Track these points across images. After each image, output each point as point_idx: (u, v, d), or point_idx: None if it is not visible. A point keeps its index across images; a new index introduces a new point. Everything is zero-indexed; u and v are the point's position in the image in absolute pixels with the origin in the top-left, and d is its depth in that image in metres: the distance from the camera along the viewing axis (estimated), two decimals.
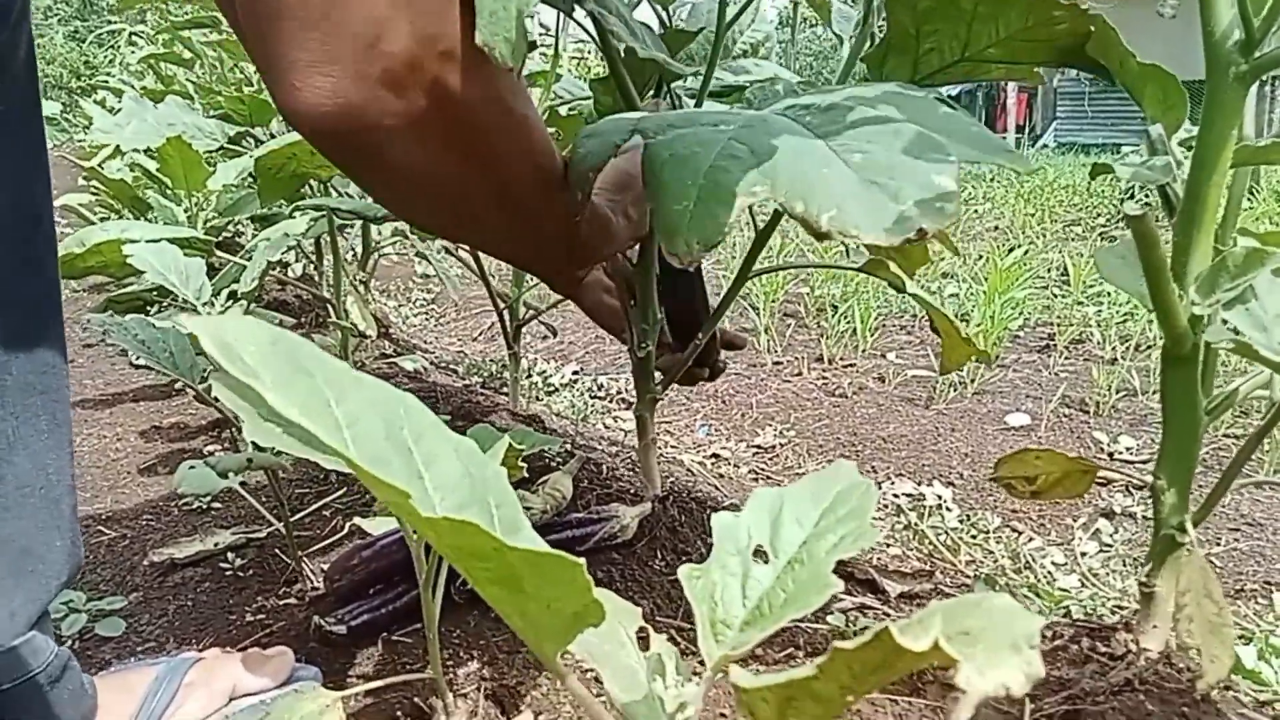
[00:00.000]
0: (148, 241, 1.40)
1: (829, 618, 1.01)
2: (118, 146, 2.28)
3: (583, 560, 0.37)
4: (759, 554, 0.46)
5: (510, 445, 0.63)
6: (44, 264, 0.73)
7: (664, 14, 1.20)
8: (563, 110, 1.48)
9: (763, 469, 1.86)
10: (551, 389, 2.32)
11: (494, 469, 0.47)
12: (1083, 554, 1.40)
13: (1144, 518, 1.54)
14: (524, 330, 1.81)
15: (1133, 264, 0.66)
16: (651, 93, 1.11)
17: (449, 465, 0.45)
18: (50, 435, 0.73)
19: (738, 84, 1.25)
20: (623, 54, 0.97)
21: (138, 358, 1.17)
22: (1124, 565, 1.37)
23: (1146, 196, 5.08)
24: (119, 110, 2.66)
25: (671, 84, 1.12)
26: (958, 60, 0.90)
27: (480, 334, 3.00)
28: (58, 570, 0.75)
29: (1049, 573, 1.33)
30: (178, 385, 2.01)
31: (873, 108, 0.67)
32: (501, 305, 1.68)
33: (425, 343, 2.78)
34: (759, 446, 1.97)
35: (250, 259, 1.65)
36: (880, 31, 1.01)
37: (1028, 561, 1.36)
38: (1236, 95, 0.68)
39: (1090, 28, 0.79)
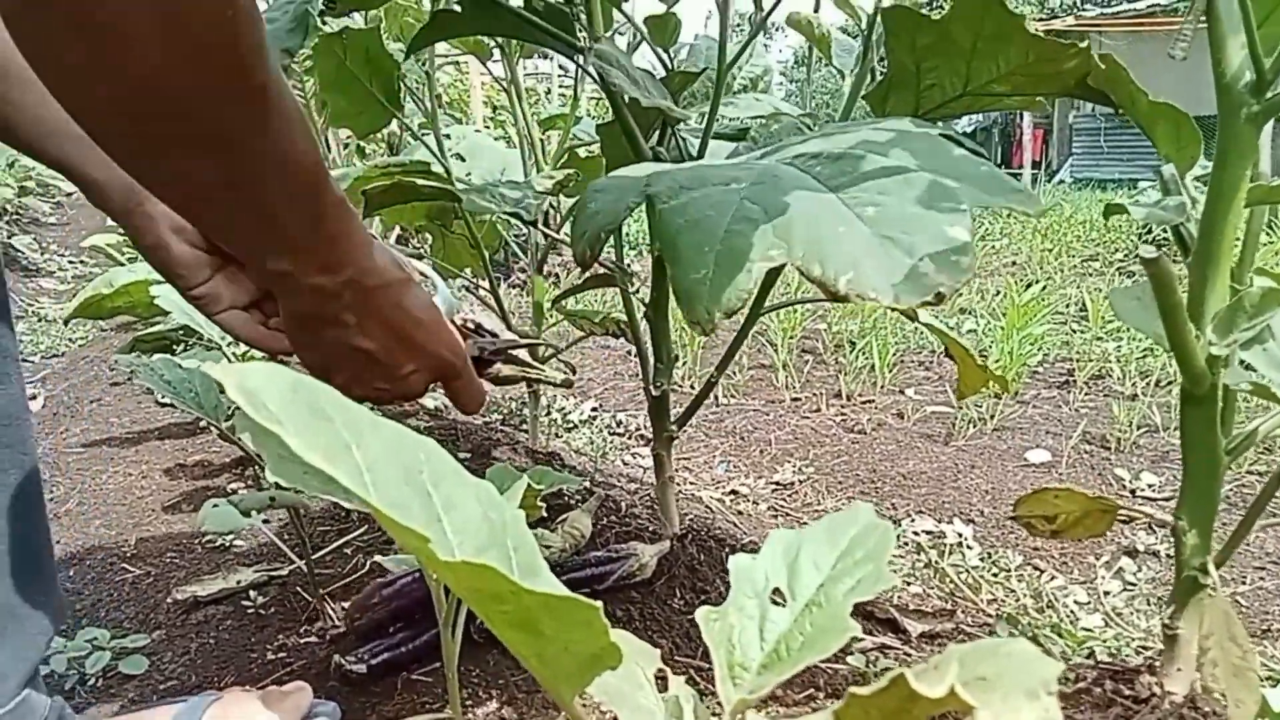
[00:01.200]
0: None
1: (849, 658, 1.01)
2: None
3: (599, 604, 0.38)
4: (776, 596, 0.47)
5: (529, 486, 0.64)
6: None
7: (665, 57, 1.23)
8: (581, 152, 1.50)
9: (781, 506, 1.85)
10: (570, 425, 2.33)
11: (512, 513, 0.48)
12: (1106, 593, 1.38)
13: (1168, 556, 1.52)
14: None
15: (1149, 305, 0.67)
16: (656, 135, 1.13)
17: (468, 509, 0.46)
18: (20, 488, 0.72)
19: (742, 125, 1.26)
20: (627, 100, 0.99)
21: (163, 396, 1.20)
22: (1148, 604, 1.36)
23: (1164, 232, 5.05)
24: None
25: (675, 127, 1.14)
26: (960, 95, 0.91)
27: None
28: (43, 627, 0.74)
29: (1071, 612, 1.32)
30: (202, 423, 2.03)
31: (884, 154, 0.68)
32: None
33: None
34: (777, 483, 1.97)
35: None
36: (881, 68, 1.03)
37: (1050, 600, 1.35)
38: (1249, 135, 0.69)
39: (1093, 62, 0.80)
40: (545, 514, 1.07)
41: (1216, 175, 0.67)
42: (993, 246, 5.51)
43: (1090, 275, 4.58)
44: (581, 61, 0.98)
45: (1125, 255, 5.09)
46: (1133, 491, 1.84)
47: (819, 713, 0.33)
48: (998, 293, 3.75)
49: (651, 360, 1.13)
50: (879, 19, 0.95)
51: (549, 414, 2.34)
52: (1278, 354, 0.67)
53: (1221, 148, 0.68)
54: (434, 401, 1.96)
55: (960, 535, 1.56)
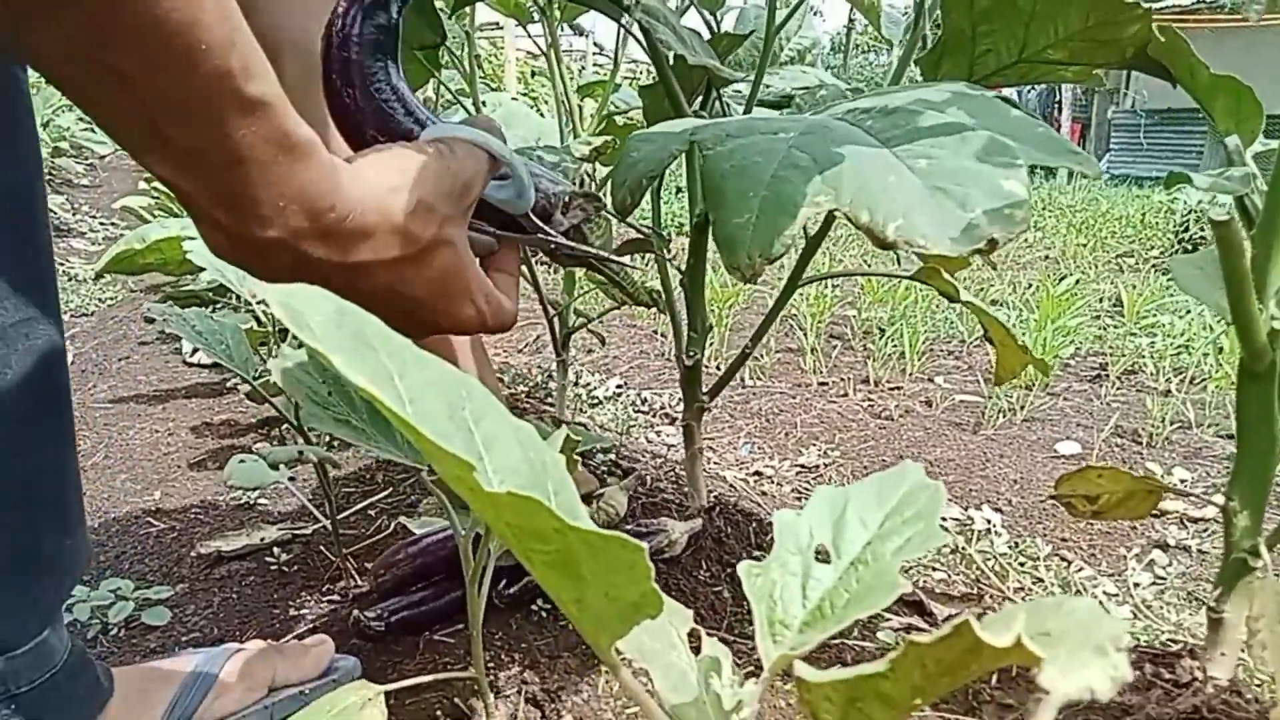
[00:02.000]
0: None
1: (879, 634, 0.99)
2: None
3: (645, 545, 0.36)
4: (821, 554, 0.45)
5: (568, 436, 0.62)
6: (39, 256, 0.70)
7: (711, 19, 1.21)
8: (619, 121, 1.48)
9: (806, 489, 1.83)
10: (595, 401, 2.32)
11: (553, 456, 0.47)
12: (1135, 585, 1.36)
13: (1199, 551, 1.49)
14: (569, 343, 1.81)
15: (1211, 275, 0.64)
16: (700, 99, 1.11)
17: (509, 449, 0.45)
18: (53, 433, 0.71)
19: (786, 92, 1.24)
20: (671, 61, 0.97)
21: (193, 353, 1.19)
22: (1179, 599, 1.33)
23: (1202, 231, 4.97)
24: None
25: (720, 90, 1.11)
26: (1015, 61, 0.88)
27: (526, 345, 3.01)
28: (68, 568, 0.74)
29: (1100, 603, 1.29)
30: (229, 383, 2.04)
31: (941, 112, 0.66)
32: (551, 312, 1.68)
33: None
34: (802, 466, 1.95)
35: None
36: (933, 34, 1.00)
37: (1078, 590, 1.33)
38: None
39: (1149, 27, 0.77)
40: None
41: None
42: (1026, 240, 5.44)
43: (1125, 271, 4.51)
44: (627, 20, 0.96)
45: (1161, 252, 5.00)
46: (1165, 487, 1.81)
47: (874, 661, 0.32)
48: (1030, 286, 3.69)
49: (685, 330, 1.12)
50: None
51: (575, 388, 2.33)
52: None
53: None
54: None
55: (989, 522, 1.54)
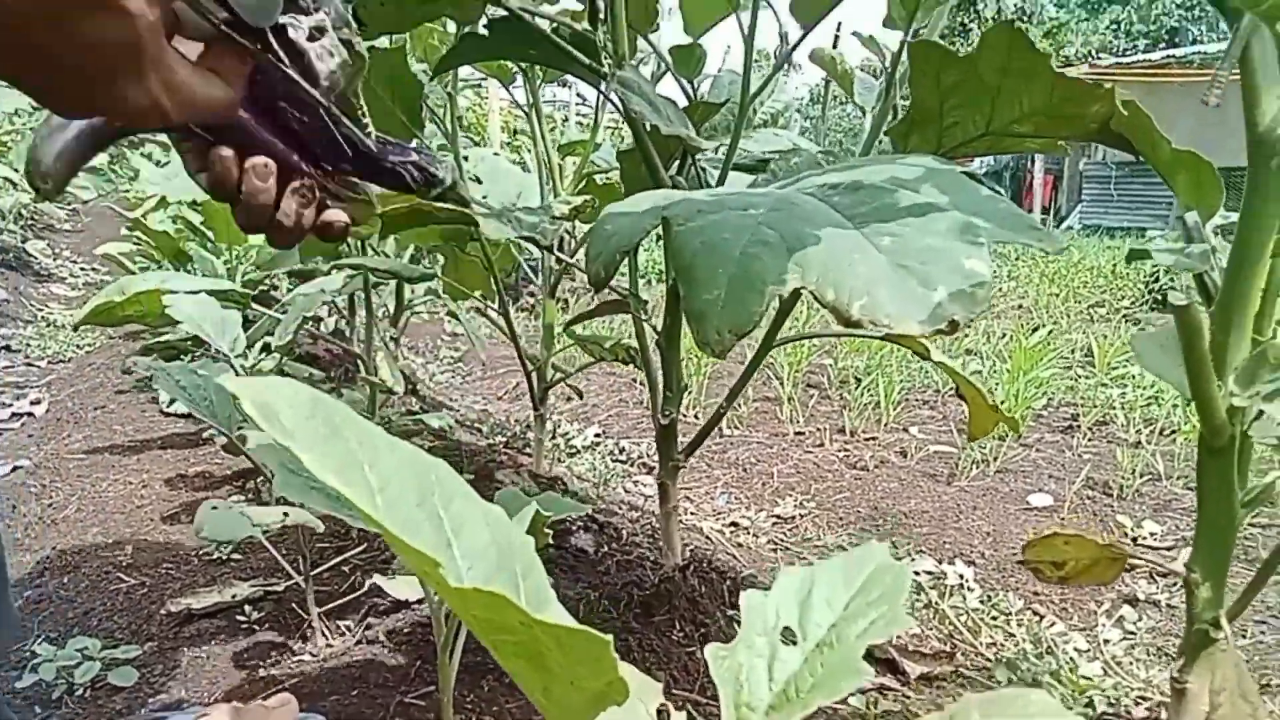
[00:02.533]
0: (187, 293, 1.43)
1: (850, 699, 0.99)
2: (163, 199, 2.34)
3: (610, 638, 0.37)
4: (787, 635, 0.46)
5: (538, 513, 0.63)
6: None
7: (688, 87, 1.24)
8: (599, 179, 1.51)
9: (782, 539, 1.84)
10: (573, 451, 2.32)
11: (521, 538, 0.48)
12: (1106, 641, 1.37)
13: (1169, 605, 1.51)
14: (548, 396, 1.82)
15: (1171, 352, 0.66)
16: (677, 163, 1.13)
17: (477, 533, 0.46)
18: None
19: (761, 156, 1.27)
20: (648, 128, 1.00)
21: (171, 402, 1.19)
22: (1148, 654, 1.34)
23: (1172, 280, 5.07)
24: (166, 163, 2.73)
25: (695, 156, 1.14)
26: (982, 134, 0.91)
27: (505, 393, 3.01)
28: None
29: (1071, 659, 1.30)
30: (205, 434, 2.03)
31: (909, 188, 0.68)
32: (530, 367, 1.69)
33: (451, 400, 2.80)
34: (778, 516, 1.95)
35: (285, 312, 1.68)
36: (903, 105, 1.03)
37: (1050, 646, 1.33)
38: (1279, 186, 0.68)
39: (1115, 107, 0.80)
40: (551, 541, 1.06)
41: (1244, 224, 0.67)
42: (999, 290, 5.51)
43: (1096, 321, 4.58)
44: (604, 88, 0.98)
45: (1132, 302, 5.09)
46: (1134, 539, 1.83)
47: None
48: (1003, 335, 3.74)
49: (661, 388, 1.13)
50: (904, 55, 0.95)
51: (553, 438, 2.34)
52: None
53: (1250, 196, 0.68)
54: (439, 422, 1.96)
55: (961, 577, 1.55)
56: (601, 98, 1.44)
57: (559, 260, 1.61)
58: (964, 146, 0.91)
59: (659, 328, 1.13)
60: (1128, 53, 18.00)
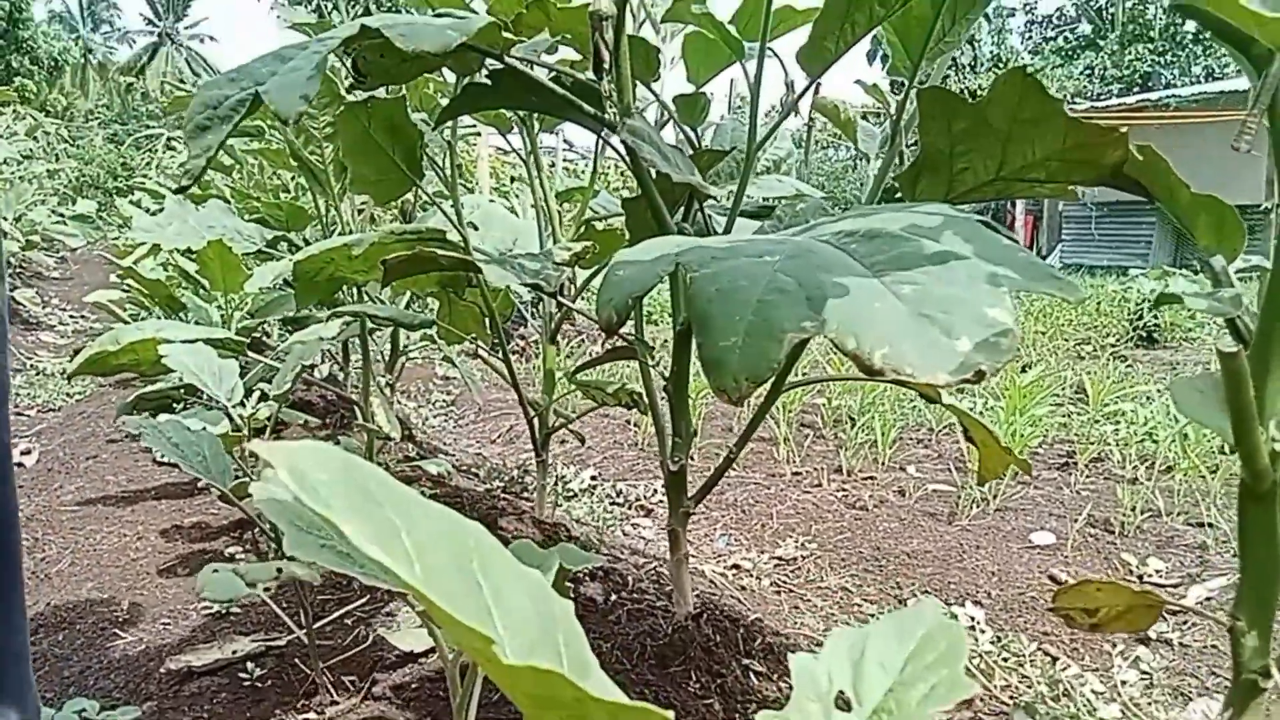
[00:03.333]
0: (183, 341, 1.41)
1: None
2: (155, 246, 2.33)
3: (670, 713, 0.36)
4: (842, 701, 0.45)
5: (561, 566, 0.62)
6: None
7: (692, 135, 1.25)
8: (598, 225, 1.51)
9: (785, 582, 1.82)
10: (571, 494, 2.31)
11: (562, 605, 0.47)
12: (1123, 682, 1.36)
13: (1181, 644, 1.50)
14: (549, 442, 1.80)
15: (1211, 398, 0.66)
16: (682, 210, 1.14)
17: (517, 601, 0.44)
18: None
19: (765, 202, 1.28)
20: (654, 175, 1.00)
21: (164, 457, 1.17)
22: (1166, 695, 1.33)
23: (1156, 318, 5.12)
24: (157, 211, 2.72)
25: (703, 203, 1.15)
26: (992, 179, 0.92)
27: (499, 436, 3.00)
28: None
29: (1089, 701, 1.29)
30: (201, 483, 2.00)
31: (927, 236, 0.68)
32: (531, 413, 1.68)
33: (446, 445, 2.78)
34: (780, 558, 1.94)
35: (280, 360, 1.66)
36: (909, 151, 1.04)
37: (1066, 689, 1.32)
38: None
39: (1128, 150, 0.81)
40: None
41: (1278, 268, 0.67)
42: None
43: (1085, 358, 4.62)
44: (610, 136, 0.99)
45: (1118, 339, 5.14)
46: (1140, 577, 1.82)
47: None
48: (994, 373, 3.76)
49: (670, 434, 1.12)
50: (911, 102, 0.96)
51: (552, 483, 2.32)
52: None
53: None
54: (436, 468, 1.94)
55: (973, 619, 1.54)
56: (601, 144, 1.45)
57: (559, 305, 1.61)
58: (974, 192, 0.92)
59: (665, 374, 1.13)
60: (1102, 97, 18.34)
